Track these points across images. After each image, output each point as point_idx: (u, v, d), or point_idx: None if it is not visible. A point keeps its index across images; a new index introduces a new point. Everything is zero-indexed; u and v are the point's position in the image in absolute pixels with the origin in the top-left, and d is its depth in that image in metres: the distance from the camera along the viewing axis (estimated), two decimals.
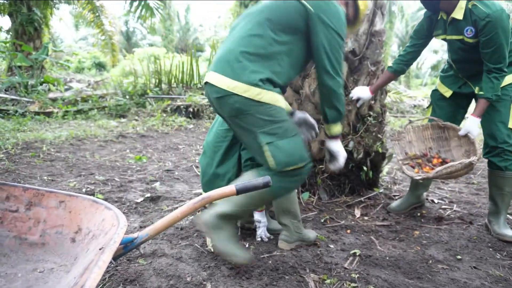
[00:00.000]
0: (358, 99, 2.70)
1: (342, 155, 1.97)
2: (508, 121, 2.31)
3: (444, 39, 2.44)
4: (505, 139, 2.31)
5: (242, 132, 1.75)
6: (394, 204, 2.84)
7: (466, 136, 2.38)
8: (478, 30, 2.17)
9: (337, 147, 1.97)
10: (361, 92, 2.68)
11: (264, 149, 1.65)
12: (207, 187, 2.21)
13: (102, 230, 1.32)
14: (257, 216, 2.21)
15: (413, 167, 2.58)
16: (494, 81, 2.20)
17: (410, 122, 2.70)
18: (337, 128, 1.93)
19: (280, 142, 1.65)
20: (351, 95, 2.71)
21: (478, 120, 2.30)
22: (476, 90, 2.32)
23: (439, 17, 2.40)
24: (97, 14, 11.53)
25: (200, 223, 1.77)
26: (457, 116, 2.60)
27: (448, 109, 2.60)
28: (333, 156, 2.01)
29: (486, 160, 2.44)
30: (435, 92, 2.69)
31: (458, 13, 2.23)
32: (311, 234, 2.18)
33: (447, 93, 2.59)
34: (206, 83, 1.81)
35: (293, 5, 1.72)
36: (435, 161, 2.52)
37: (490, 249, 2.21)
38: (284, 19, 1.71)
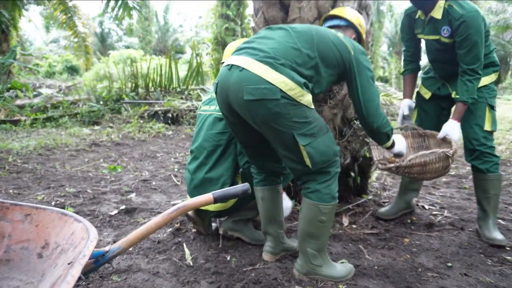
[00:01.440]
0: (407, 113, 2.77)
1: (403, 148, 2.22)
2: (484, 123, 2.40)
3: (422, 38, 2.55)
4: (482, 142, 2.39)
5: (274, 133, 1.77)
6: (383, 209, 2.89)
7: (445, 140, 2.44)
8: (453, 30, 2.30)
9: (397, 149, 2.19)
10: (407, 105, 2.75)
11: (301, 150, 1.74)
12: (196, 192, 2.24)
13: (71, 244, 1.31)
14: None
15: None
16: (468, 84, 2.30)
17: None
18: (389, 143, 2.11)
19: (316, 142, 1.75)
20: (401, 111, 2.78)
21: (457, 123, 2.38)
22: (453, 94, 2.41)
23: (417, 16, 2.51)
24: (69, 15, 11.43)
25: (300, 277, 1.94)
26: (441, 117, 2.68)
27: (431, 110, 2.68)
28: (398, 155, 2.25)
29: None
30: (418, 94, 2.78)
31: (437, 12, 2.35)
32: (294, 243, 2.22)
33: (427, 94, 2.70)
34: (231, 66, 1.75)
35: (337, 47, 1.85)
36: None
37: (481, 255, 2.27)
38: (327, 55, 1.83)
